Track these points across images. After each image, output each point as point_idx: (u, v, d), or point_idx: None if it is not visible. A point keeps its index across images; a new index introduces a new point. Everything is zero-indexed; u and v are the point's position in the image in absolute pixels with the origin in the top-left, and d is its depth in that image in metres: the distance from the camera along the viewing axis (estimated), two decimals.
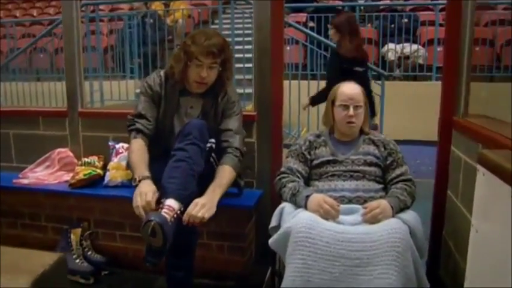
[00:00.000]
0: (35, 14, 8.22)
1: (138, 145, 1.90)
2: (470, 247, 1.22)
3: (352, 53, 3.12)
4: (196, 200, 1.70)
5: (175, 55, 1.98)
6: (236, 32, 4.62)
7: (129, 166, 2.23)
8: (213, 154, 1.87)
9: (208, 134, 1.83)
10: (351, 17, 3.58)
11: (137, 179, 1.74)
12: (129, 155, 1.93)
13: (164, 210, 1.59)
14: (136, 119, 1.96)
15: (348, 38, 3.13)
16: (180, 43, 1.98)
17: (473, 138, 1.70)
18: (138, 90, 4.08)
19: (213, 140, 1.85)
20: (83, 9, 4.89)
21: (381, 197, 1.78)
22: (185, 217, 1.65)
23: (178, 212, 1.62)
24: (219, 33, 1.99)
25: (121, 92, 4.72)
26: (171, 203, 1.62)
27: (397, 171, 1.84)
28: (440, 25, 5.23)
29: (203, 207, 1.68)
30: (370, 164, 1.83)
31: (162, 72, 2.04)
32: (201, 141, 1.77)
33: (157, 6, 5.92)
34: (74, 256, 2.27)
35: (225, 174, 1.86)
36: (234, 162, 1.91)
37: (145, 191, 1.66)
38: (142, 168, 1.78)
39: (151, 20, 5.35)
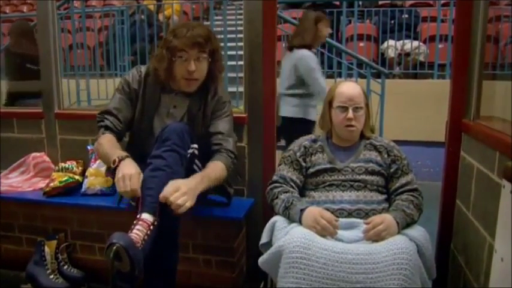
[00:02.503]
0: (25, 11, 7.99)
1: (108, 138, 1.74)
2: (493, 276, 1.04)
3: (22, 49, 3.31)
4: (178, 183, 1.49)
5: (156, 54, 1.79)
6: (229, 29, 4.42)
7: (104, 172, 2.06)
8: (196, 161, 1.68)
9: (190, 138, 1.64)
10: (24, 23, 3.92)
11: (116, 160, 1.56)
12: (98, 149, 1.74)
13: (137, 227, 1.41)
14: (106, 115, 1.80)
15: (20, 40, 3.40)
16: (161, 42, 1.81)
17: (488, 144, 1.51)
18: None
19: (195, 146, 1.67)
20: (69, 4, 4.68)
21: (383, 209, 1.61)
22: (161, 197, 1.47)
23: (152, 227, 1.44)
24: (201, 24, 1.83)
25: (109, 91, 4.52)
26: (146, 217, 1.44)
27: (402, 180, 1.66)
28: (442, 21, 5.06)
29: (184, 195, 1.48)
30: (372, 173, 1.65)
31: (142, 68, 1.87)
32: (181, 147, 1.58)
33: (149, 2, 5.72)
34: (48, 271, 2.08)
35: (217, 168, 1.69)
36: (227, 162, 1.74)
37: (129, 173, 1.48)
38: (118, 151, 1.60)
39: (142, 16, 5.15)
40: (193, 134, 1.72)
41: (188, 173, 1.63)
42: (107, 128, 1.77)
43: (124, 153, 1.60)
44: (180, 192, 1.48)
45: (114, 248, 1.32)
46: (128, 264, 1.33)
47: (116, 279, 1.37)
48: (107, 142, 1.72)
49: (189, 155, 1.64)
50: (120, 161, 1.55)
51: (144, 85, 1.82)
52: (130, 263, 1.33)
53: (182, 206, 1.47)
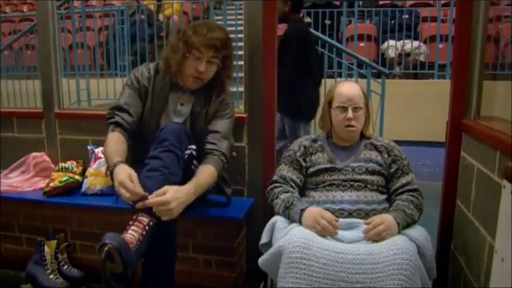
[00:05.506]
0: (25, 10, 7.99)
1: (115, 137, 1.69)
2: (493, 276, 1.04)
3: None
4: (178, 194, 1.47)
5: (172, 45, 1.79)
6: (229, 29, 4.42)
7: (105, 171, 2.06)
8: (194, 161, 1.68)
9: (187, 139, 1.64)
10: None
11: (108, 171, 1.55)
12: (104, 148, 1.70)
13: (132, 227, 1.41)
14: (116, 112, 1.76)
15: None
16: (179, 34, 1.81)
17: (489, 144, 1.51)
18: None
19: (193, 147, 1.66)
20: (69, 4, 4.68)
21: (384, 210, 1.60)
22: (155, 207, 1.44)
23: (148, 227, 1.43)
24: (222, 27, 1.82)
25: (109, 91, 4.52)
26: (142, 218, 1.44)
27: (403, 180, 1.66)
28: (442, 21, 5.06)
29: (181, 204, 1.47)
30: (373, 173, 1.65)
31: (151, 65, 1.86)
32: (178, 148, 1.58)
33: (149, 1, 5.71)
34: (48, 271, 2.08)
35: (209, 176, 1.66)
36: (219, 166, 1.72)
37: (123, 179, 1.45)
38: (114, 157, 1.57)
39: (142, 16, 5.15)
40: (192, 134, 1.72)
41: (186, 174, 1.62)
42: (117, 124, 1.73)
43: (115, 161, 1.55)
44: (177, 202, 1.46)
45: (106, 248, 1.31)
46: (121, 265, 1.32)
47: (110, 279, 1.36)
48: (112, 142, 1.67)
49: (186, 156, 1.63)
50: (111, 172, 1.52)
51: (153, 82, 1.81)
52: (123, 264, 1.32)
53: (170, 215, 1.46)
